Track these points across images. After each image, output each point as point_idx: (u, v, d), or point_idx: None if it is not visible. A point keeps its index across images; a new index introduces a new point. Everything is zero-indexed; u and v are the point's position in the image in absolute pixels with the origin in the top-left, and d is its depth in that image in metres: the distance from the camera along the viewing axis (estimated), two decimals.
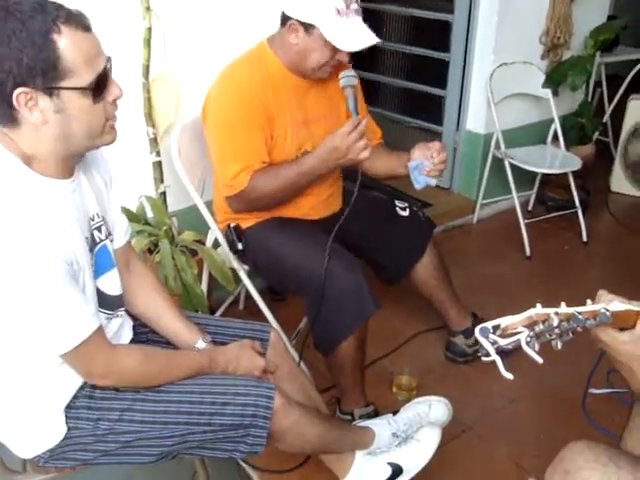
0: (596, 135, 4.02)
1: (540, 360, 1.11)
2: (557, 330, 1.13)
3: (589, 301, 1.20)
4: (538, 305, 1.15)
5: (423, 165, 2.10)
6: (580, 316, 1.14)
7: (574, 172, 3.48)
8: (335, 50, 2.01)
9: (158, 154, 2.45)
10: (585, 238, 3.56)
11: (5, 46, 1.15)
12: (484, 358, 1.12)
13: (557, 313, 1.13)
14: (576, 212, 3.58)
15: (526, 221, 3.47)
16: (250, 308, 2.67)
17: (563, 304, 1.16)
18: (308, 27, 1.99)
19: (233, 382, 1.55)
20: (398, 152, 2.29)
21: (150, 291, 1.69)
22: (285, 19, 2.03)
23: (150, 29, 2.28)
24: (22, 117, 1.22)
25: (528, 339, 1.12)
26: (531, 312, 1.14)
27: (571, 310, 1.15)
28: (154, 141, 2.43)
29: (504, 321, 1.13)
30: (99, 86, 1.25)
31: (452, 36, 3.69)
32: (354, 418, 2.15)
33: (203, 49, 2.50)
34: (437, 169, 2.10)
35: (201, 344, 1.65)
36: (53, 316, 1.27)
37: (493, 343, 1.12)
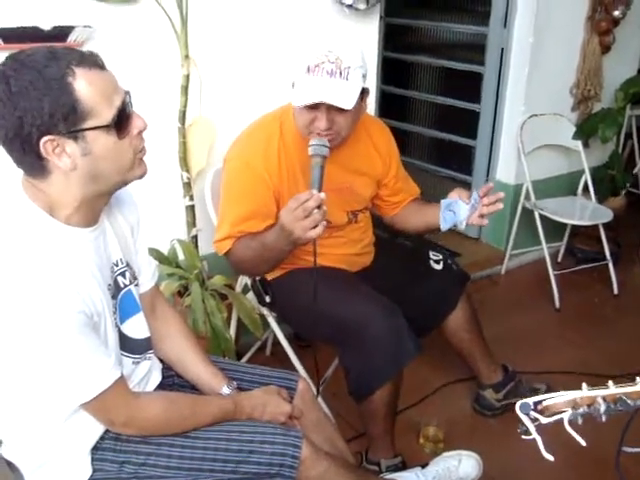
0: (627, 187, 4.00)
1: (583, 442, 1.07)
2: (603, 415, 1.10)
3: (639, 379, 1.12)
4: (584, 386, 1.11)
5: (457, 204, 1.99)
6: (629, 401, 1.09)
7: (605, 224, 3.45)
8: (311, 112, 1.89)
9: (191, 198, 2.47)
10: (616, 291, 3.52)
11: (25, 98, 1.16)
12: (524, 436, 1.10)
13: (605, 399, 1.09)
14: (606, 264, 3.54)
15: (556, 272, 3.44)
16: (277, 354, 2.66)
17: (610, 383, 1.11)
18: (293, 86, 1.94)
19: (261, 430, 1.53)
20: (432, 204, 2.20)
21: (177, 336, 1.69)
22: None
23: (188, 76, 2.33)
24: (52, 165, 1.24)
25: (571, 418, 1.09)
26: (576, 395, 1.10)
27: (619, 392, 1.10)
28: (188, 185, 2.46)
29: (547, 401, 1.10)
30: (121, 121, 1.26)
31: (483, 87, 3.72)
32: (381, 469, 2.12)
33: (238, 96, 2.54)
34: (490, 210, 1.96)
35: (226, 390, 1.63)
36: (71, 367, 1.27)
37: (534, 420, 1.09)
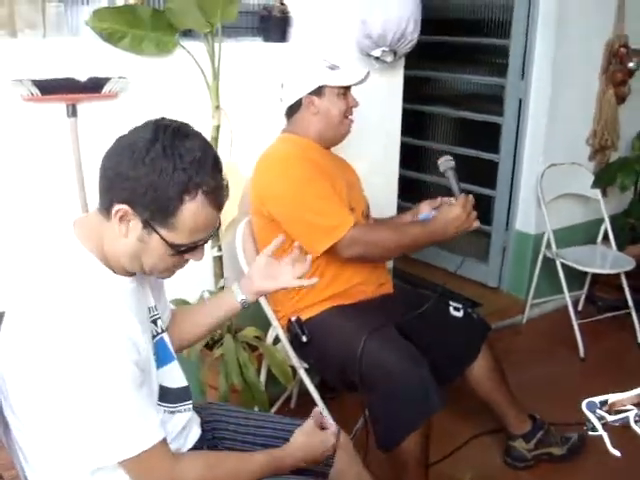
0: None
1: None
2: None
3: None
4: None
5: (432, 216, 2.25)
6: None
7: (625, 272, 3.44)
8: (345, 98, 2.27)
9: (219, 249, 2.47)
10: None
11: (150, 174, 1.20)
12: (590, 432, 1.13)
13: None
14: (628, 313, 3.52)
15: (578, 321, 3.41)
16: (303, 406, 2.61)
17: None
18: (318, 92, 2.24)
19: None
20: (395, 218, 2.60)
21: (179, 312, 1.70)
22: (296, 105, 2.28)
23: (218, 127, 2.35)
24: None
25: (637, 417, 1.11)
26: None
27: None
28: (216, 236, 2.44)
29: (612, 397, 1.14)
30: (184, 251, 1.30)
31: (502, 138, 3.75)
32: None
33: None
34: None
35: (237, 289, 1.63)
36: (119, 419, 1.23)
37: (600, 419, 1.12)
